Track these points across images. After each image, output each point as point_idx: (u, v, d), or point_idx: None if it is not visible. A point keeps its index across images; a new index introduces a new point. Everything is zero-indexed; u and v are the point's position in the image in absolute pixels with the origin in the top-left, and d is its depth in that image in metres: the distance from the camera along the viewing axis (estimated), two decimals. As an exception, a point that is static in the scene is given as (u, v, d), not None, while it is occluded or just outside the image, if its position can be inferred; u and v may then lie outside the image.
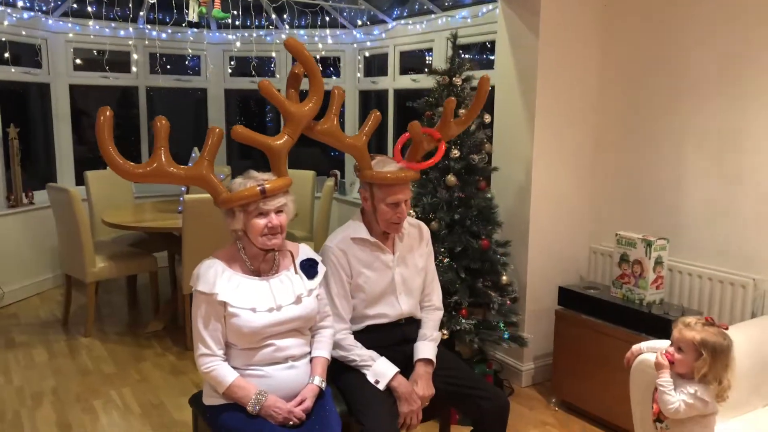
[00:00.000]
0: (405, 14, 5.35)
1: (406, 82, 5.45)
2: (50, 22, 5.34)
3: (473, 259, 3.15)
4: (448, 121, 2.37)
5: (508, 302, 3.23)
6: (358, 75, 6.07)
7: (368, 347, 2.25)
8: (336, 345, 2.21)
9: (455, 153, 3.13)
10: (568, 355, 3.25)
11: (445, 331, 3.00)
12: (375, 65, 6.01)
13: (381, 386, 2.16)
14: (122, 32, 5.69)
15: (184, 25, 5.78)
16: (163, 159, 1.91)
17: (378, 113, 2.31)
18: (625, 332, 2.94)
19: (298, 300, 2.05)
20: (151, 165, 1.91)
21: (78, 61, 5.66)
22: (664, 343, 2.19)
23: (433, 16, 4.94)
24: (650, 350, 2.27)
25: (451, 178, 3.14)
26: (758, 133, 2.82)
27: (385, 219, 2.24)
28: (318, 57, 6.02)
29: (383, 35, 5.61)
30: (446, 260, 3.12)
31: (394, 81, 5.59)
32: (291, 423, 1.93)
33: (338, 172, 6.12)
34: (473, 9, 4.47)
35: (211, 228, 3.67)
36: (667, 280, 3.08)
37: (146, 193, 5.82)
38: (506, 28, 3.50)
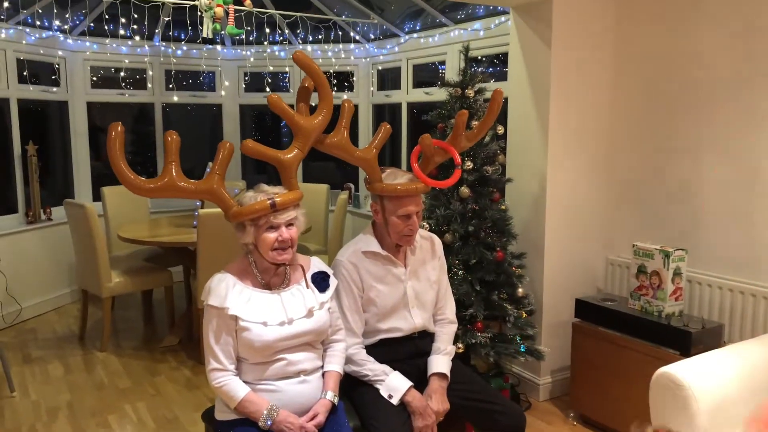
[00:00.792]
0: (417, 28, 5.36)
1: (420, 95, 5.45)
2: (69, 41, 5.43)
3: (488, 272, 3.11)
4: (460, 133, 2.36)
5: (524, 315, 3.19)
6: (372, 89, 6.08)
7: (381, 361, 2.22)
8: (348, 360, 2.19)
9: (469, 164, 3.12)
10: (586, 368, 3.19)
11: (461, 345, 2.97)
12: (388, 79, 6.03)
13: (394, 401, 2.13)
14: (138, 50, 5.76)
15: (198, 41, 5.84)
16: (174, 174, 1.92)
17: (388, 126, 2.30)
18: (644, 345, 2.88)
19: (309, 313, 2.03)
20: (162, 180, 1.91)
21: (95, 78, 5.74)
22: None
23: (445, 29, 4.94)
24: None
25: (464, 190, 3.12)
26: (777, 140, 2.77)
27: (396, 231, 2.22)
28: (331, 71, 6.05)
29: (396, 49, 5.62)
30: (461, 273, 3.09)
31: (407, 94, 5.60)
32: (303, 438, 1.91)
33: (352, 186, 6.12)
34: (486, 21, 4.47)
35: (225, 242, 3.67)
36: (686, 292, 3.02)
37: (162, 208, 5.86)
38: (519, 40, 3.48)
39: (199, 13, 4.49)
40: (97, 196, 5.40)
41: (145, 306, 5.06)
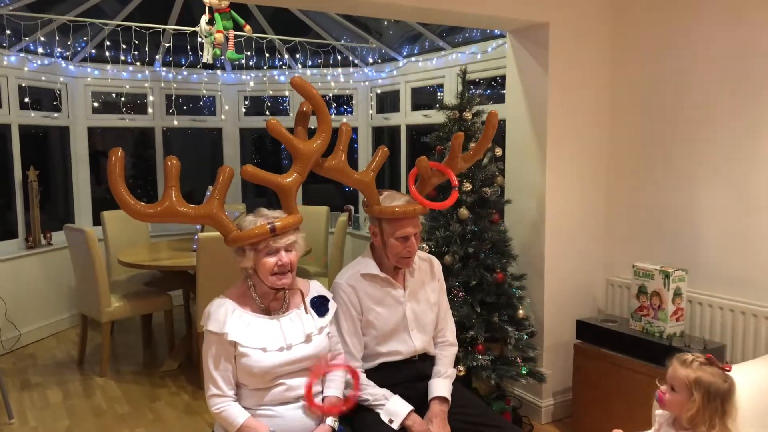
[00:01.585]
0: (416, 51, 5.42)
1: (418, 117, 5.49)
2: (71, 67, 5.48)
3: (488, 293, 3.11)
4: (457, 155, 2.38)
5: (525, 337, 3.17)
6: (371, 112, 6.13)
7: (381, 385, 2.21)
8: (348, 384, 2.17)
9: (467, 186, 3.13)
10: (588, 389, 3.17)
11: (462, 368, 2.95)
12: (387, 102, 6.07)
13: (395, 425, 2.11)
14: (139, 75, 5.82)
15: (198, 66, 5.90)
16: (174, 198, 1.92)
17: (386, 149, 2.32)
18: (646, 366, 2.87)
19: (308, 339, 2.03)
20: (162, 205, 1.92)
21: (96, 104, 5.79)
22: None
23: (443, 52, 5.00)
24: None
25: (463, 212, 3.12)
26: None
27: (395, 253, 2.22)
28: (330, 95, 6.10)
29: (395, 72, 5.68)
30: (461, 294, 3.09)
31: (406, 117, 5.63)
32: (303, 464, 1.89)
33: (352, 207, 6.14)
34: (482, 45, 4.51)
35: (225, 266, 3.67)
36: (687, 312, 3.01)
37: (162, 232, 5.87)
38: (516, 63, 3.52)
39: (199, 39, 4.55)
40: (97, 221, 5.41)
41: (144, 330, 5.04)
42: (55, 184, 5.78)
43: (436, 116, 5.04)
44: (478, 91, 4.71)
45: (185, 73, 6.00)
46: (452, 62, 4.87)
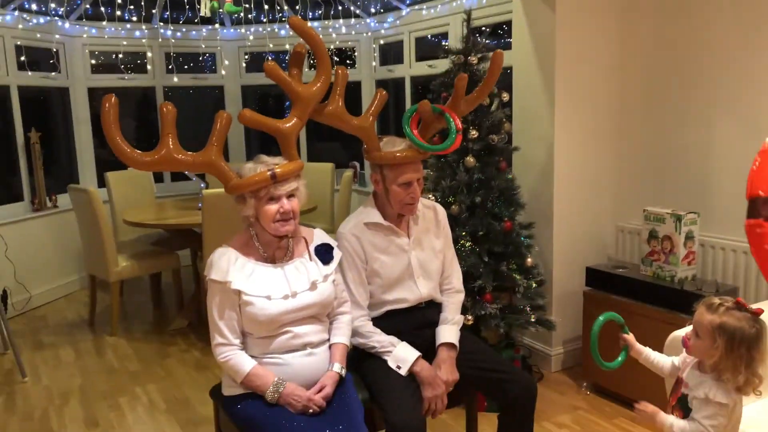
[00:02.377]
0: None
1: (423, 68, 5.37)
2: (66, 26, 5.37)
3: (496, 242, 3.07)
4: (460, 97, 2.29)
5: (534, 285, 3.14)
6: (374, 64, 6.00)
7: (388, 333, 2.19)
8: (354, 332, 2.15)
9: (474, 134, 3.05)
10: (598, 337, 3.14)
11: (470, 317, 2.93)
12: (391, 54, 5.94)
13: (403, 372, 2.10)
14: (137, 33, 5.70)
15: (196, 22, 5.77)
16: (171, 146, 1.87)
17: (384, 92, 2.26)
18: (657, 311, 2.84)
19: (313, 286, 1.99)
20: (159, 152, 1.87)
21: (94, 63, 5.69)
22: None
23: (447, -1, 4.85)
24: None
25: (470, 160, 3.06)
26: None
27: (398, 200, 2.17)
28: (333, 48, 5.97)
29: (398, 22, 5.53)
30: (468, 244, 3.05)
31: (410, 68, 5.51)
32: (311, 411, 1.88)
33: (357, 164, 6.07)
34: (488, -11, 4.36)
35: (230, 222, 3.62)
36: (699, 256, 2.96)
37: (167, 193, 5.84)
38: (522, 7, 3.40)
39: (196, -8, 4.43)
40: (101, 183, 5.38)
41: (153, 290, 5.06)
42: (58, 147, 5.73)
43: (441, 66, 4.93)
44: (484, 39, 4.58)
45: (184, 30, 5.88)
46: (457, 8, 4.73)
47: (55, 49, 5.33)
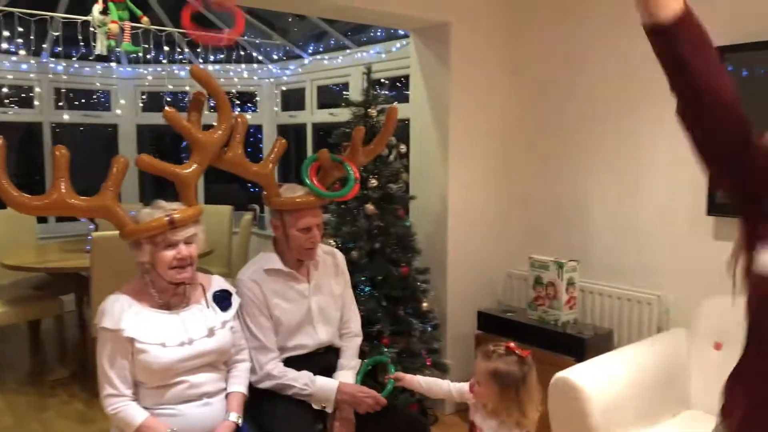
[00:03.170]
0: (321, 50, 5.41)
1: (324, 116, 5.48)
2: (-56, 55, 5.04)
3: (394, 287, 3.15)
4: (357, 148, 2.40)
5: (430, 329, 3.24)
6: (276, 109, 6.05)
7: (287, 380, 2.19)
8: (268, 377, 2.13)
9: (373, 182, 3.16)
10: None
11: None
12: (293, 100, 6.02)
13: (329, 409, 2.12)
14: (24, 66, 5.44)
15: (92, 58, 5.59)
16: (63, 190, 1.82)
17: (283, 140, 2.33)
18: (543, 353, 2.99)
19: (211, 333, 1.97)
20: (50, 197, 1.81)
21: (-25, 96, 5.35)
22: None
23: (348, 51, 5.02)
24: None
25: (370, 207, 3.15)
26: (651, 145, 2.99)
27: (297, 245, 2.21)
28: (234, 91, 5.96)
29: (299, 70, 5.64)
30: (367, 289, 3.11)
31: (312, 115, 5.61)
32: (205, 463, 1.84)
33: (257, 207, 6.03)
34: (387, 44, 4.57)
35: (121, 267, 3.48)
36: (579, 301, 3.19)
37: (52, 234, 5.51)
38: (419, 62, 3.59)
39: (91, 29, 4.31)
40: (-23, 222, 4.99)
41: (31, 337, 4.71)
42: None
43: (342, 115, 5.06)
44: (383, 92, 4.77)
45: (77, 65, 5.67)
46: (358, 61, 4.90)
47: (-71, 79, 4.97)
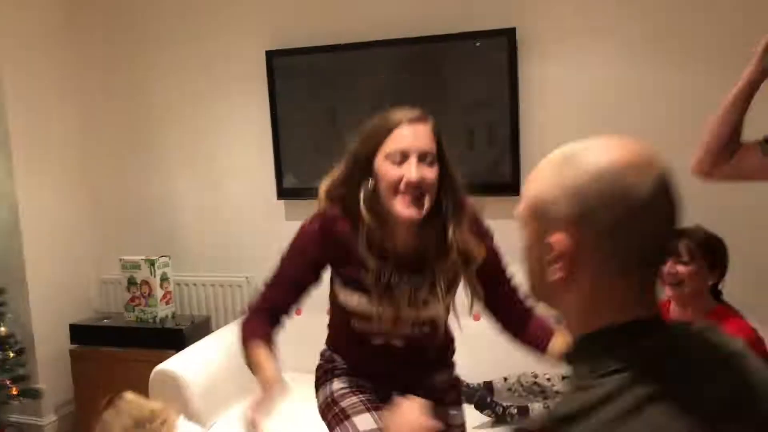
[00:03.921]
0: None
1: None
2: None
3: None
4: None
5: (12, 355, 2.90)
6: None
7: None
8: None
9: None
10: (91, 394, 3.09)
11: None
12: None
13: None
14: None
15: None
16: None
17: None
18: (143, 353, 2.99)
19: None
20: None
21: None
22: None
23: None
24: None
25: None
26: (225, 142, 3.25)
27: None
28: None
29: None
30: None
31: None
32: None
33: None
34: None
35: None
36: (176, 295, 3.27)
37: None
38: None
39: None
40: None
41: None
42: None
43: None
44: None
45: None
46: None
47: None
